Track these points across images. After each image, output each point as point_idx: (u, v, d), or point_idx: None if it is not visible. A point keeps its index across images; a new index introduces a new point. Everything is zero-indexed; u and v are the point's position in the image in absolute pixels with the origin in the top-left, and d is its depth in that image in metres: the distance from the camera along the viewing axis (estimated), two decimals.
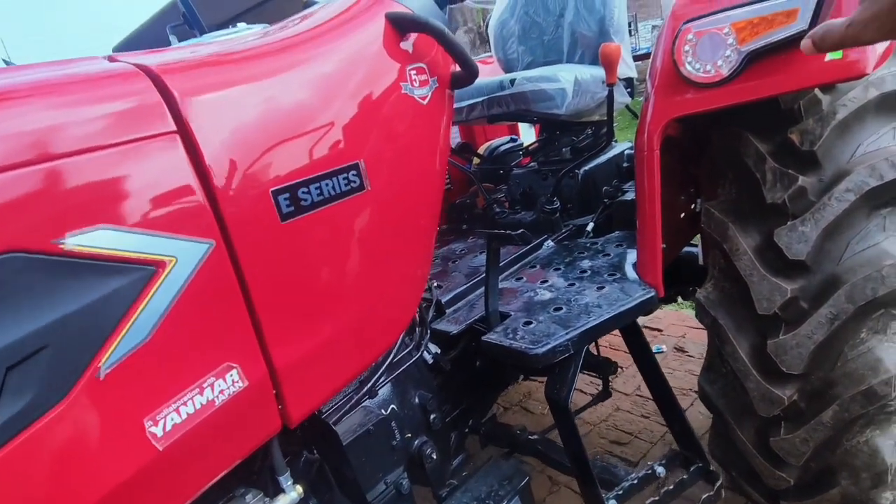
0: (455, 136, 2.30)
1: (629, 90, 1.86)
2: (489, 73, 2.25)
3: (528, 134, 2.56)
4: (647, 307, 1.22)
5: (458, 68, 1.11)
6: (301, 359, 0.84)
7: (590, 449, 2.37)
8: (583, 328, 1.13)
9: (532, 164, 2.06)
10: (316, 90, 0.85)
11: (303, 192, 0.80)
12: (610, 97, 1.52)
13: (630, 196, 1.72)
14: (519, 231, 1.16)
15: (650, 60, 1.37)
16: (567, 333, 1.12)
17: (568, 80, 1.50)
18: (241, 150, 0.75)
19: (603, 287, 1.30)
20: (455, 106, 1.75)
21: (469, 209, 2.10)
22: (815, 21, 1.01)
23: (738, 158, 1.28)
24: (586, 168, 1.83)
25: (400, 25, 0.98)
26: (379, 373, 1.14)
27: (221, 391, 0.73)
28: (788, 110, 1.22)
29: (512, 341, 1.14)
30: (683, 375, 2.76)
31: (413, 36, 1.02)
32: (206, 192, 0.71)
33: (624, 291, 1.26)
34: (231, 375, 0.74)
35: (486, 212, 1.92)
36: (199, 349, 0.71)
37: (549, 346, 1.09)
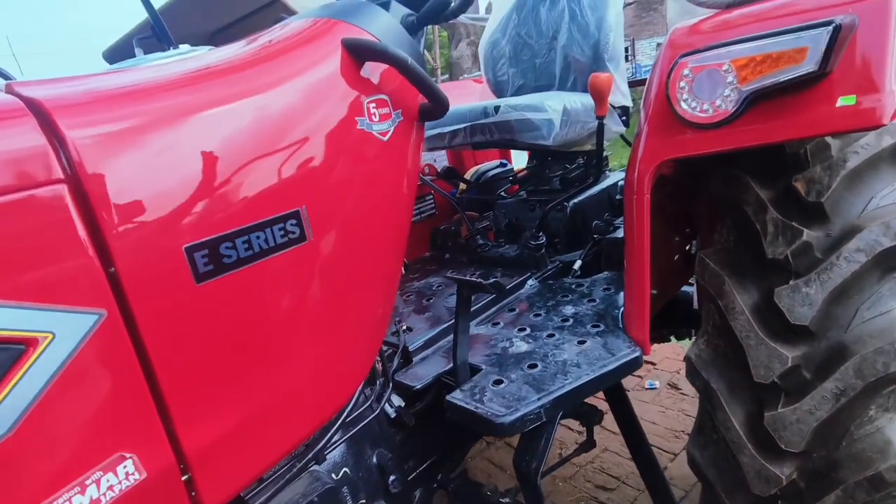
0: (443, 160, 2.19)
1: (624, 118, 1.75)
2: (480, 93, 2.15)
3: (520, 158, 2.46)
4: (630, 369, 1.11)
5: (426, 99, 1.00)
6: (221, 439, 0.72)
7: (574, 494, 2.24)
8: (557, 393, 1.01)
9: (520, 192, 1.95)
10: (251, 126, 0.74)
11: (226, 248, 0.69)
12: (600, 130, 1.41)
13: (618, 235, 1.61)
14: (491, 280, 1.05)
15: (645, 88, 1.26)
16: (539, 399, 1.00)
17: (555, 109, 1.40)
18: (148, 200, 0.64)
19: (584, 341, 1.18)
20: (437, 131, 1.65)
21: (453, 237, 1.98)
22: (825, 62, 0.90)
23: (736, 205, 1.17)
24: (576, 200, 1.71)
25: (358, 53, 0.87)
26: (330, 433, 1.02)
27: (111, 487, 0.61)
28: (793, 154, 1.11)
29: (478, 404, 1.02)
30: (676, 415, 2.64)
31: (374, 64, 0.91)
32: (99, 251, 0.60)
33: (607, 348, 1.14)
34: (124, 467, 0.63)
35: (468, 243, 1.81)
36: (81, 441, 0.59)
37: (518, 415, 0.97)
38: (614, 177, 1.92)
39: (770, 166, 1.15)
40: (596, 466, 2.34)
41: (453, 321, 1.36)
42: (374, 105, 0.89)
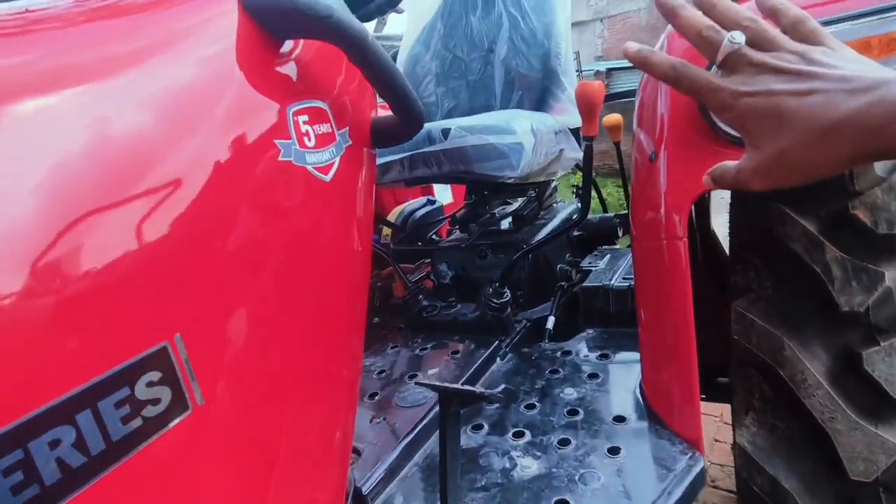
0: None
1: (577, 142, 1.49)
2: None
3: (443, 193, 2.13)
4: (697, 488, 0.78)
5: (382, 112, 0.62)
6: None
7: None
8: None
9: (458, 234, 1.61)
10: (42, 159, 0.30)
11: None
12: (588, 155, 1.11)
13: (597, 282, 1.32)
14: (500, 388, 0.67)
15: (638, 105, 0.98)
16: None
17: (524, 130, 1.08)
18: None
19: (617, 449, 0.84)
20: None
21: (383, 296, 1.58)
22: None
23: (773, 242, 0.91)
24: (537, 241, 1.40)
25: (273, 22, 0.47)
26: None
27: None
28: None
29: None
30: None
31: (301, 47, 0.51)
32: None
33: (653, 457, 0.81)
34: None
35: (406, 304, 1.41)
36: None
37: None
38: (566, 210, 1.65)
39: (800, 191, 0.91)
40: None
41: (417, 434, 0.96)
42: (305, 119, 0.49)
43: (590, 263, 1.45)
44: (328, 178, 0.51)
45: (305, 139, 0.49)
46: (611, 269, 1.39)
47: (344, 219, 0.56)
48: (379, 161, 1.23)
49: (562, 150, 1.34)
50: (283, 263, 0.47)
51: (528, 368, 1.13)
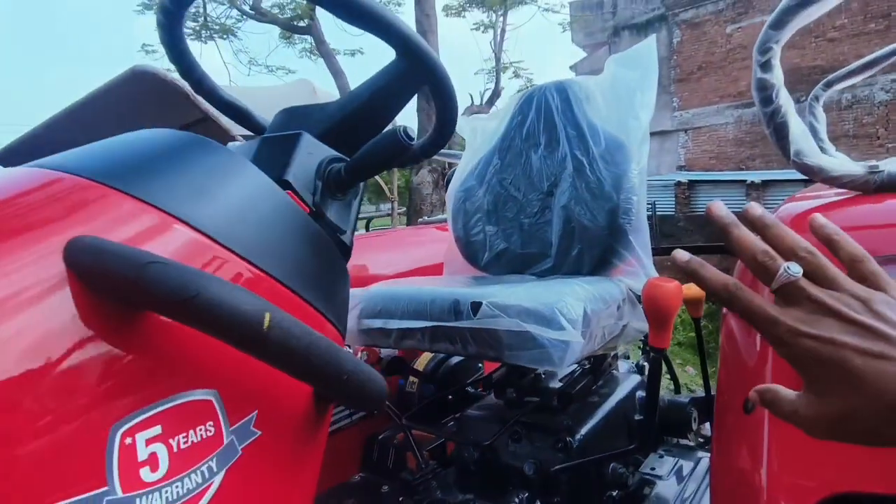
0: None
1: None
2: (445, 249, 1.61)
3: None
4: None
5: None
6: None
7: None
8: None
9: (493, 398, 1.36)
10: None
11: None
12: (654, 374, 0.86)
13: (666, 489, 1.01)
14: None
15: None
16: None
17: (574, 320, 0.84)
18: None
19: None
20: (379, 325, 1.07)
21: (398, 455, 1.33)
22: None
23: None
24: (583, 432, 1.13)
25: (112, 292, 0.29)
26: None
27: None
28: None
29: None
30: None
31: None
32: None
33: None
34: None
35: (416, 488, 1.15)
36: None
37: None
38: (627, 382, 1.37)
39: None
40: None
41: None
42: (152, 435, 0.30)
43: (653, 469, 1.14)
44: None
45: (144, 472, 0.29)
46: (680, 485, 1.08)
47: None
48: (396, 326, 1.03)
49: (625, 326, 1.09)
50: None
51: None
